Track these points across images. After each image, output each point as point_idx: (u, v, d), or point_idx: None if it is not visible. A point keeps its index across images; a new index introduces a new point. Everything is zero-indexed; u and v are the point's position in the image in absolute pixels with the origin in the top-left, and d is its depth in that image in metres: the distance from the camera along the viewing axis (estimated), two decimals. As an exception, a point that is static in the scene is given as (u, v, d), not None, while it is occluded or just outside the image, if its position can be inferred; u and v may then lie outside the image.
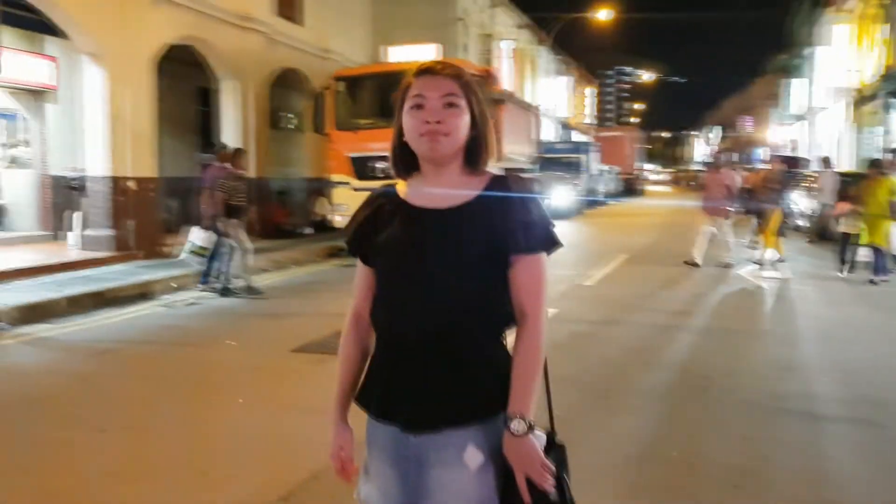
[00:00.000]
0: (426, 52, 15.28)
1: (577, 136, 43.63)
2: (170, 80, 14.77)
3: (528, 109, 19.61)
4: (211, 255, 9.43)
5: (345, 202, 12.41)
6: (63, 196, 12.37)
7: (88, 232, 11.47)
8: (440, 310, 1.73)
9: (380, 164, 12.20)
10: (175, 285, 9.84)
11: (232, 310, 8.79)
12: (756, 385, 5.59)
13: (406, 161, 1.87)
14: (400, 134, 1.85)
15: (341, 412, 1.90)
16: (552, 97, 42.86)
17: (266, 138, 15.63)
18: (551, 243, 1.79)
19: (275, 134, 16.59)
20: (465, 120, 1.78)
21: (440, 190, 1.81)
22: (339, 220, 12.38)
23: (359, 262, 1.93)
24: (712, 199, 11.94)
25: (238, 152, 9.73)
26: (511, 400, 1.71)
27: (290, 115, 18.17)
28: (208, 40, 13.64)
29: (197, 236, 9.38)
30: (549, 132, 38.40)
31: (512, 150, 15.20)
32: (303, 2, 17.44)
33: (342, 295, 8.94)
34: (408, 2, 23.71)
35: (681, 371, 5.97)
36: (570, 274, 11.13)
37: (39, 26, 11.35)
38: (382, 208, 1.88)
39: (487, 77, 14.00)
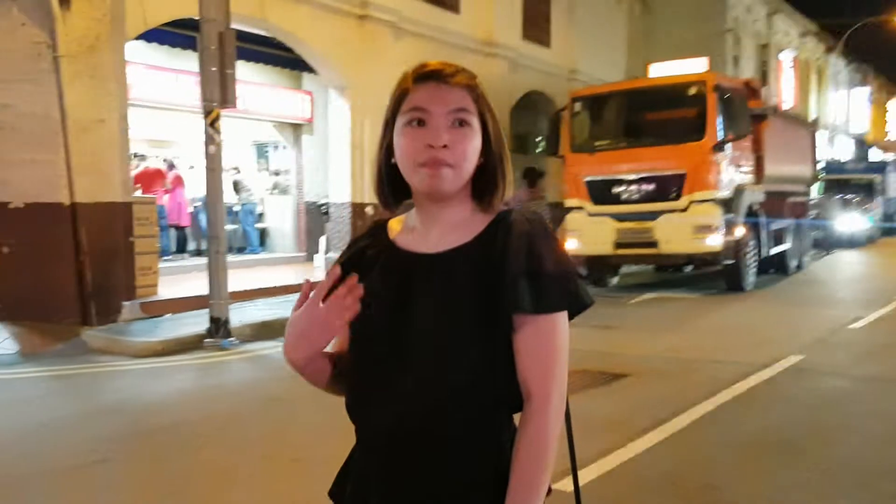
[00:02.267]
0: (692, 67, 14.13)
1: (876, 155, 38.52)
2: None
3: (804, 125, 17.43)
4: None
5: (578, 228, 11.83)
6: (315, 220, 13.25)
7: (332, 255, 12.13)
8: (421, 388, 1.29)
9: (617, 189, 11.54)
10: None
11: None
12: None
13: (395, 187, 1.42)
14: (389, 153, 1.40)
15: None
16: (845, 111, 38.34)
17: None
18: (570, 302, 1.33)
19: (520, 158, 16.46)
20: (477, 144, 1.37)
21: (434, 231, 1.40)
22: (573, 247, 11.80)
23: None
24: None
25: (537, 174, 9.29)
26: None
27: (537, 139, 17.99)
28: (451, 68, 13.86)
29: None
30: (839, 151, 34.34)
31: (779, 170, 13.50)
32: (550, 24, 17.23)
33: (601, 332, 8.20)
34: (670, 17, 22.49)
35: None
36: (835, 314, 9.49)
37: (298, 64, 12.28)
38: (365, 252, 1.45)
39: (746, 90, 12.58)
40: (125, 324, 8.25)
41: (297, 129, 13.55)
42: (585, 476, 3.90)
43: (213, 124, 7.80)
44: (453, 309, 1.31)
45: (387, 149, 1.40)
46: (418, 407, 1.29)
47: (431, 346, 1.30)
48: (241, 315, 8.48)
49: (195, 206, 12.73)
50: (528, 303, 1.28)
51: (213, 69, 7.72)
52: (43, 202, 8.00)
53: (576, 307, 1.33)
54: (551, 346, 1.30)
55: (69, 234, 7.96)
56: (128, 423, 5.35)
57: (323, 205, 12.73)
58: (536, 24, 16.67)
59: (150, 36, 9.58)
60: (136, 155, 12.26)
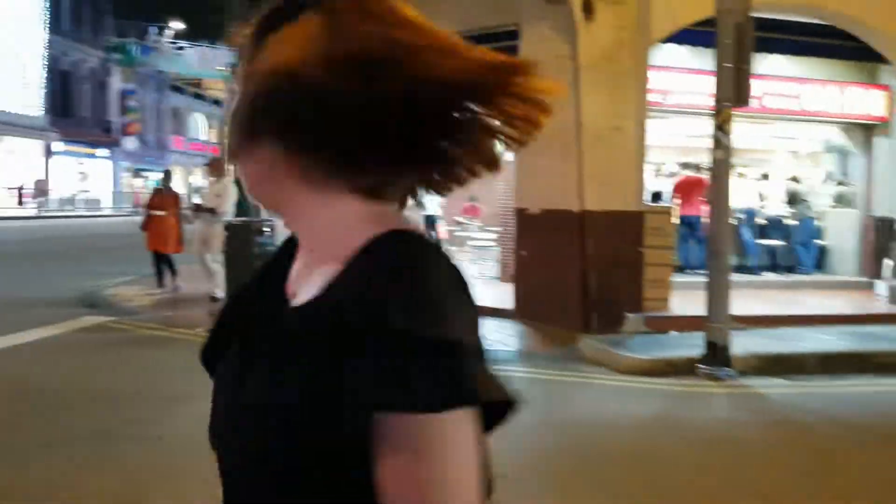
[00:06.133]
0: None
1: None
2: None
3: None
4: None
5: None
6: (884, 239, 10.98)
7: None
8: None
9: None
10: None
11: None
12: None
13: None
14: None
15: None
16: None
17: None
18: (455, 393, 0.73)
19: None
20: None
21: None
22: None
23: None
24: None
25: None
26: None
27: None
28: None
29: None
30: None
31: None
32: None
33: None
34: None
35: None
36: None
37: (870, 55, 10.34)
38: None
39: None
40: (625, 336, 8.01)
41: (868, 130, 11.42)
42: None
43: (722, 126, 7.01)
44: (271, 413, 0.78)
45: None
46: None
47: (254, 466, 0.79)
48: (750, 343, 7.45)
49: (737, 219, 11.80)
50: (376, 397, 0.73)
51: (728, 65, 6.95)
52: (555, 209, 8.31)
53: (462, 403, 0.73)
54: (425, 475, 0.72)
55: (577, 242, 8.09)
56: (565, 437, 5.12)
57: (890, 220, 10.51)
58: None
59: (680, 38, 9.10)
60: (679, 164, 12.07)
